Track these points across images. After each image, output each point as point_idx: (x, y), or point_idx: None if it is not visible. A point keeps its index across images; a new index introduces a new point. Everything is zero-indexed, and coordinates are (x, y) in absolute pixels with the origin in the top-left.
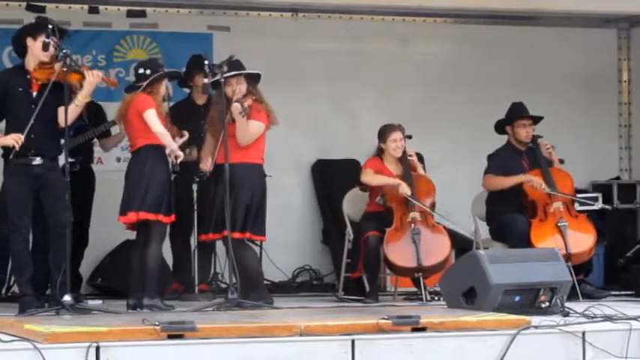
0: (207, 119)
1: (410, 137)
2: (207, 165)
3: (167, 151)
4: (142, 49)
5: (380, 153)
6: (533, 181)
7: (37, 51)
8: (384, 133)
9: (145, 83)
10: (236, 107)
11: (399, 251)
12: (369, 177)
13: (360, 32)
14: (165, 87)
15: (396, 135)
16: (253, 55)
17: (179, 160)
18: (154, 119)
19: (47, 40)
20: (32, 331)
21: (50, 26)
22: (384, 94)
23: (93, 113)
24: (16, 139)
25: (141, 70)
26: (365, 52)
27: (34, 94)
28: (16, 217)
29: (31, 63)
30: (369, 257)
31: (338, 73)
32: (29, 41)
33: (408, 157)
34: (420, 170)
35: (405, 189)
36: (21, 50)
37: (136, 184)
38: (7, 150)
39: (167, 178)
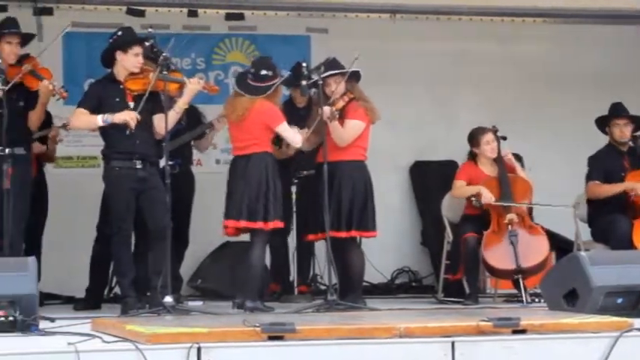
0: (309, 119)
1: (505, 138)
2: (307, 142)
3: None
4: (241, 52)
5: (474, 157)
6: (636, 188)
7: (127, 63)
8: (475, 136)
9: (271, 86)
10: (324, 112)
11: (497, 254)
12: (458, 192)
13: (459, 33)
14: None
15: (488, 137)
16: (351, 56)
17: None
18: (289, 131)
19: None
20: (134, 332)
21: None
22: (482, 94)
23: (190, 116)
24: (132, 117)
25: (264, 72)
26: (464, 52)
27: (131, 104)
28: (118, 220)
29: (121, 74)
30: (468, 259)
31: (437, 74)
32: (119, 54)
33: (504, 158)
34: (519, 170)
35: (487, 197)
36: (108, 62)
37: (250, 190)
38: (109, 154)
39: (279, 185)
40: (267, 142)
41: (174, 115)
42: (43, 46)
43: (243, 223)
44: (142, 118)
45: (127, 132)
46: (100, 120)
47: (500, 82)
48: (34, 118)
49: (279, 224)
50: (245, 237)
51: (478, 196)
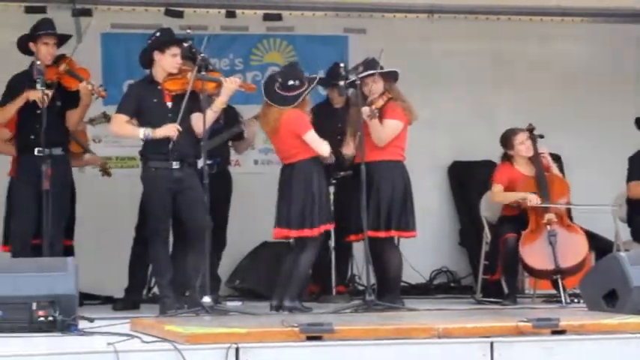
0: (347, 119)
1: (542, 137)
2: (350, 148)
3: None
4: (279, 53)
5: (508, 158)
6: None
7: (165, 64)
8: (508, 138)
9: (299, 96)
10: (364, 110)
11: (535, 254)
12: (499, 198)
13: (498, 32)
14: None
15: (521, 136)
16: (389, 56)
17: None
18: (316, 140)
19: (185, 45)
20: (173, 332)
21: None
22: (521, 94)
23: (228, 116)
24: (174, 129)
25: (291, 82)
26: (502, 52)
27: (169, 104)
28: (156, 221)
29: (159, 75)
30: (507, 259)
31: (475, 74)
32: (156, 54)
33: (541, 156)
34: (554, 170)
35: (533, 201)
36: (147, 62)
37: (297, 199)
38: (147, 155)
39: (326, 188)
40: (307, 147)
41: (212, 114)
42: (81, 48)
43: (293, 233)
44: (179, 119)
45: (170, 144)
46: (141, 134)
47: (538, 82)
48: (74, 118)
49: (329, 227)
50: None
51: (524, 202)
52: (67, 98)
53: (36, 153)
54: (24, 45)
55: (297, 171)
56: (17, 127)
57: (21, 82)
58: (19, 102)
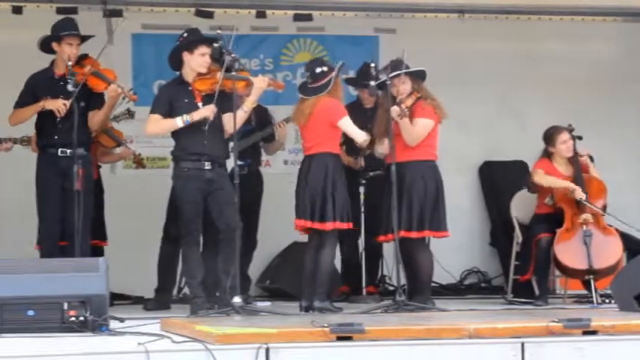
0: (375, 121)
1: (580, 138)
2: (385, 147)
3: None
4: (309, 53)
5: (548, 155)
6: None
7: (194, 64)
8: (551, 135)
9: (328, 80)
10: (394, 110)
11: (570, 252)
12: (542, 178)
13: (528, 32)
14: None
15: (565, 136)
16: (419, 56)
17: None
18: (351, 126)
19: (216, 45)
20: (203, 332)
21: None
22: (552, 94)
23: (259, 116)
24: (212, 109)
25: (318, 70)
26: (533, 52)
27: (200, 104)
28: (188, 221)
29: (189, 75)
30: (540, 260)
31: (505, 74)
32: (185, 55)
33: (579, 158)
34: (592, 171)
35: (580, 193)
36: (176, 64)
37: (317, 190)
38: (179, 155)
39: (342, 186)
40: (331, 142)
41: (242, 114)
42: (111, 48)
43: (308, 224)
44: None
45: (205, 126)
46: (179, 122)
47: (570, 82)
48: (97, 119)
49: (342, 225)
50: None
51: (572, 191)
52: (91, 99)
53: (59, 153)
54: (47, 45)
55: (314, 163)
56: (38, 126)
57: (40, 80)
58: (35, 108)
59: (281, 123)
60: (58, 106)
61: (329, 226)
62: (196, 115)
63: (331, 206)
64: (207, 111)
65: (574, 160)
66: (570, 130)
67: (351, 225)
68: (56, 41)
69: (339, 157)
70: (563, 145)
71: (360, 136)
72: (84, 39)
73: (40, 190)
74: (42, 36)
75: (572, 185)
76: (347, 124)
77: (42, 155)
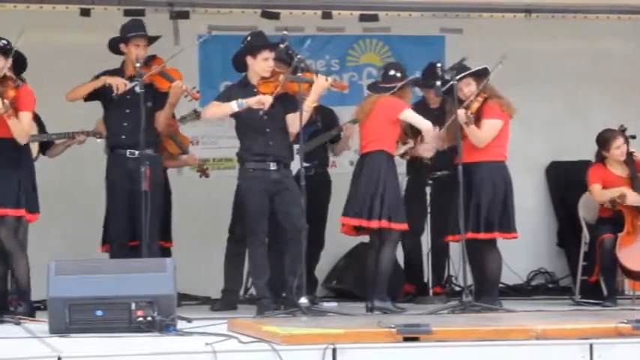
0: (445, 129)
1: (634, 137)
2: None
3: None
4: (375, 53)
5: (602, 159)
6: None
7: (257, 68)
8: (607, 141)
9: (397, 85)
10: (460, 115)
11: (632, 255)
12: (599, 196)
13: (596, 32)
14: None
15: (619, 141)
16: (486, 56)
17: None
18: (414, 116)
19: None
20: (270, 333)
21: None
22: (618, 93)
23: (325, 117)
24: (267, 98)
25: (392, 72)
26: (600, 51)
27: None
28: (254, 222)
29: (254, 78)
30: (605, 260)
31: (572, 74)
32: (249, 59)
33: (634, 156)
34: None
35: (631, 198)
36: (240, 66)
37: (368, 189)
38: (244, 156)
39: (393, 185)
40: (387, 140)
41: (304, 114)
42: (178, 50)
43: (353, 221)
44: (275, 120)
45: (261, 112)
46: (235, 105)
47: (635, 82)
48: (162, 118)
49: (388, 225)
50: None
51: (622, 197)
52: (157, 99)
53: (127, 154)
54: (115, 46)
55: (367, 161)
56: (106, 127)
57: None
58: (95, 84)
59: (348, 124)
60: (119, 82)
61: (374, 224)
62: (251, 101)
63: (379, 204)
64: (263, 98)
65: (629, 160)
66: (623, 130)
67: (402, 227)
68: (124, 42)
69: (392, 158)
70: (618, 150)
71: (427, 125)
72: (151, 40)
73: (109, 190)
74: (110, 37)
75: (621, 191)
76: (410, 115)
77: (111, 156)
